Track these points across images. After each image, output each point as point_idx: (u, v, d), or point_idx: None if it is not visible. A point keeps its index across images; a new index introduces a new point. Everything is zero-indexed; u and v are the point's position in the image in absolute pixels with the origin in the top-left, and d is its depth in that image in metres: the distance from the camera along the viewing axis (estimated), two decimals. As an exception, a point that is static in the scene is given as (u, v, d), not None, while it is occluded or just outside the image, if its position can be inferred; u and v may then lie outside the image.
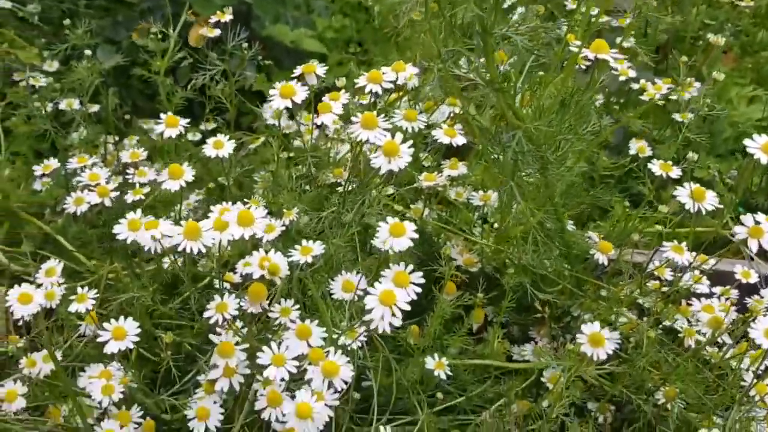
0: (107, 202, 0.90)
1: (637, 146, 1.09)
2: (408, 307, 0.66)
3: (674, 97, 1.06)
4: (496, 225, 1.02)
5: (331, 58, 1.55)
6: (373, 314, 0.66)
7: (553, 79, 0.67)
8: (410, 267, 0.68)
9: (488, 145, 0.68)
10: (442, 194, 1.05)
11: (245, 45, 1.03)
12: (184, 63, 1.14)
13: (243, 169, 1.03)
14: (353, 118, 0.72)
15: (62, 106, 1.32)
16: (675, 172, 0.86)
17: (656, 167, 0.86)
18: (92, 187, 0.92)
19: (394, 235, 0.70)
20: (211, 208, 0.76)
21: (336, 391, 0.76)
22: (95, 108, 1.34)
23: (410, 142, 0.69)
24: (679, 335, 0.92)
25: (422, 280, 0.68)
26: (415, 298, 0.67)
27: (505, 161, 0.66)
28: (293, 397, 0.75)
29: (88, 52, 1.18)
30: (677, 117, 1.10)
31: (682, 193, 0.78)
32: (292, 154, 1.15)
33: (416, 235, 0.70)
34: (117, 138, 1.39)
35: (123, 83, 1.71)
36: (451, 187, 0.99)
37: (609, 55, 0.71)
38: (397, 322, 0.73)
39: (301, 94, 0.76)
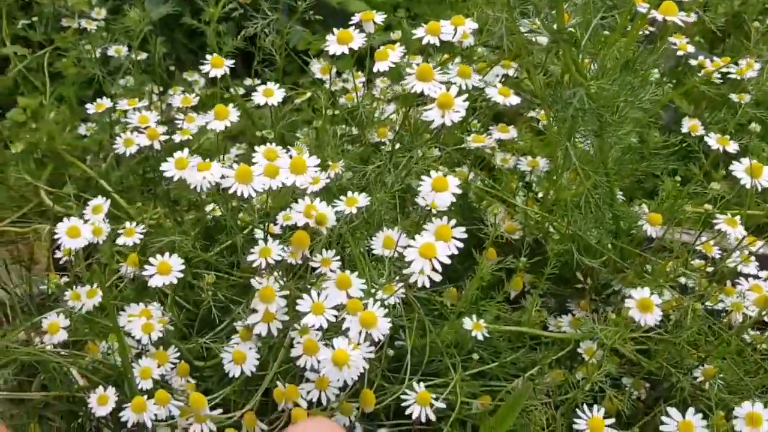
0: (156, 145, 0.92)
1: (690, 125, 1.08)
2: (448, 261, 0.66)
3: (733, 75, 1.04)
4: (540, 194, 1.02)
5: (379, 22, 1.55)
6: (412, 267, 0.66)
7: (617, 39, 0.66)
8: (453, 221, 0.69)
9: (548, 102, 0.68)
10: (487, 160, 1.05)
11: (298, -2, 1.04)
12: (234, 14, 1.15)
13: (289, 120, 1.04)
14: (408, 70, 0.73)
15: (111, 52, 1.34)
16: (732, 147, 0.85)
17: (713, 140, 0.85)
18: (142, 129, 0.93)
19: (436, 190, 0.70)
20: (256, 149, 0.77)
21: (372, 344, 0.78)
22: (143, 56, 1.36)
23: (465, 95, 0.69)
24: (721, 317, 0.91)
25: (464, 235, 0.68)
26: (456, 252, 0.68)
27: (565, 117, 0.66)
28: (328, 346, 0.77)
29: (139, -3, 1.20)
30: (734, 97, 1.08)
31: (739, 168, 0.77)
32: (336, 112, 1.16)
33: (459, 191, 0.70)
34: (161, 89, 1.41)
35: (168, 36, 1.73)
36: (498, 151, 0.99)
37: (677, 18, 0.70)
38: (437, 277, 0.74)
39: (358, 40, 0.76)
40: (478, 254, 0.88)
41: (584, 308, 0.97)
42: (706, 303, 0.90)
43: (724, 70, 1.07)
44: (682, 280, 0.94)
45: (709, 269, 0.93)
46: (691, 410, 0.68)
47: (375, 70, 0.74)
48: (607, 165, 0.76)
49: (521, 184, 1.06)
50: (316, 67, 1.09)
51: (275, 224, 0.93)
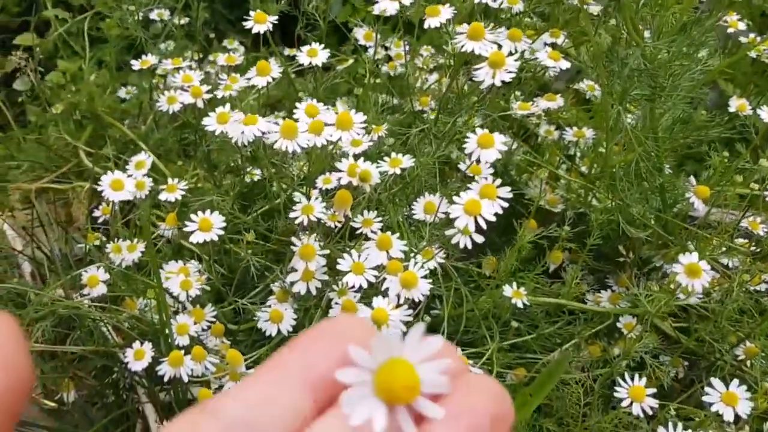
0: (200, 104, 0.92)
1: (738, 104, 1.06)
2: (493, 218, 0.66)
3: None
4: (584, 168, 1.01)
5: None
6: (457, 223, 0.66)
7: (675, 1, 0.66)
8: (498, 181, 0.69)
9: (604, 61, 0.68)
10: (531, 131, 1.04)
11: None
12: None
13: (332, 83, 1.04)
14: (459, 29, 0.73)
15: (153, 15, 1.36)
16: (786, 120, 0.84)
17: (765, 113, 0.84)
18: (186, 88, 0.94)
19: (482, 146, 0.70)
20: (297, 105, 0.77)
21: (410, 307, 0.78)
22: (185, 20, 1.38)
23: (517, 55, 0.69)
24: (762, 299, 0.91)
25: (510, 195, 0.68)
26: (500, 212, 0.68)
27: (620, 76, 0.65)
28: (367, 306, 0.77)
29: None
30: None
31: (792, 142, 0.76)
32: (378, 80, 1.16)
33: (505, 147, 0.70)
34: (201, 56, 1.42)
35: (208, 5, 1.75)
36: (543, 121, 0.99)
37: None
38: (479, 239, 0.74)
39: (409, -5, 0.76)
40: (519, 227, 0.88)
41: (624, 284, 0.96)
42: (749, 283, 0.89)
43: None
44: (725, 260, 0.93)
45: (754, 249, 0.92)
46: (735, 381, 0.68)
47: (426, 26, 0.74)
48: (657, 133, 0.75)
49: (561, 160, 1.06)
50: (360, 33, 1.09)
51: (315, 188, 0.94)
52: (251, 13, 0.87)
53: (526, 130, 1.05)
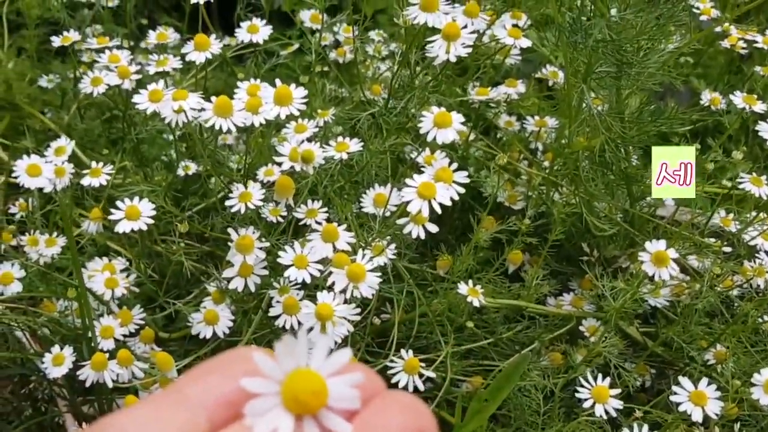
0: (127, 85, 0.91)
1: (711, 97, 1.09)
2: (449, 202, 0.66)
3: (760, 45, 1.06)
4: (546, 163, 1.02)
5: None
6: (410, 207, 0.66)
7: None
8: (454, 165, 0.69)
9: (567, 30, 0.68)
10: (490, 123, 1.05)
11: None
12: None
13: (277, 68, 1.04)
14: (412, 0, 0.73)
15: (79, -5, 1.34)
16: (759, 107, 0.86)
17: (738, 99, 0.86)
18: (112, 68, 0.93)
19: (439, 126, 0.70)
20: (238, 83, 0.76)
21: (358, 306, 0.77)
22: (114, 2, 1.36)
23: (473, 27, 0.70)
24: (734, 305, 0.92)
25: (466, 180, 0.68)
26: (456, 198, 0.68)
27: (585, 47, 0.66)
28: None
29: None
30: (759, 70, 1.10)
31: (765, 129, 0.78)
32: (326, 69, 1.16)
33: (463, 127, 0.70)
34: (132, 44, 1.40)
35: (142, -2, 1.73)
36: (503, 110, 0.99)
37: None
38: (434, 229, 0.74)
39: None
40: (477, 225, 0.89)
41: (587, 286, 0.97)
42: (719, 285, 0.91)
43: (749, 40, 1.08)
44: (695, 263, 0.95)
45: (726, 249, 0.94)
46: (704, 380, 0.69)
47: None
48: (624, 116, 0.76)
49: (526, 151, 1.06)
50: (307, 15, 1.09)
51: (256, 181, 0.93)
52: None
53: (485, 122, 1.06)
